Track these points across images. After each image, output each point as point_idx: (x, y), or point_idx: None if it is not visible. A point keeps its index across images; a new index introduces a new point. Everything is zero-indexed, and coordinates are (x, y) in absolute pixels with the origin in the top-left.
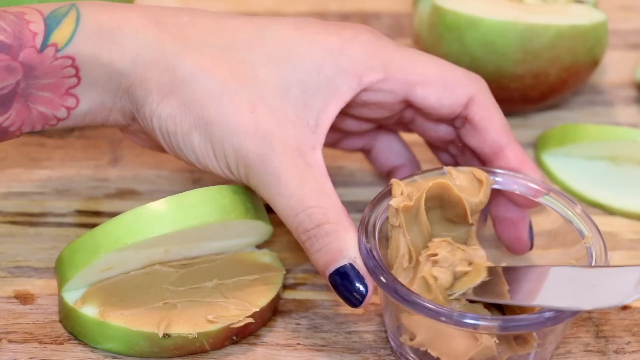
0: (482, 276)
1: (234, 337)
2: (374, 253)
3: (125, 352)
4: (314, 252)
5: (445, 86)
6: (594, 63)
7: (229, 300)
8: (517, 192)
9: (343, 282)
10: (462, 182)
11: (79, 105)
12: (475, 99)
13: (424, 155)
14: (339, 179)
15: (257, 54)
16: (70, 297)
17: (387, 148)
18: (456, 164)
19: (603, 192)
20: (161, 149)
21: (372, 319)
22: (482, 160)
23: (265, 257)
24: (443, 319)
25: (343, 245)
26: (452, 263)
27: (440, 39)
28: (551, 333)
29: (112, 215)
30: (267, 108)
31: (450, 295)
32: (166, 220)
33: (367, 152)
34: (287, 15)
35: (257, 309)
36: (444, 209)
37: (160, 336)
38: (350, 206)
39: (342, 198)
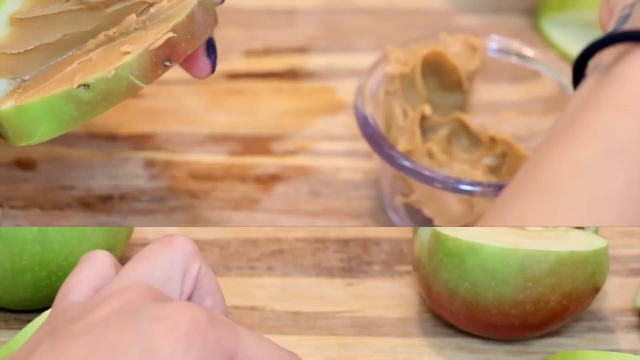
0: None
1: (167, 63)
2: (370, 120)
3: (58, 128)
4: None
5: None
6: (594, 289)
7: (146, 30)
8: None
9: None
10: (456, 49)
11: None
12: None
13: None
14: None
15: None
16: None
17: None
18: None
19: None
20: None
21: (371, 185)
22: None
23: None
24: (439, 185)
25: None
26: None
27: (441, 265)
28: None
29: None
30: None
31: None
32: None
33: None
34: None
35: (176, 22)
36: (439, 76)
37: (76, 87)
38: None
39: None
